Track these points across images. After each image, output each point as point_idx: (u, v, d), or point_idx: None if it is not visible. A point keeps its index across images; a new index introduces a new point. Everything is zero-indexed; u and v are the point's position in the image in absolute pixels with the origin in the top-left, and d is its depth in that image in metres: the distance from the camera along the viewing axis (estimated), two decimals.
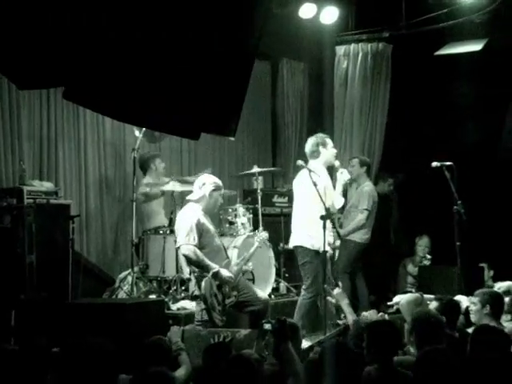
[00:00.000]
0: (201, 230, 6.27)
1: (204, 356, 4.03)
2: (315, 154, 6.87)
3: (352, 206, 8.24)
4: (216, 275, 6.14)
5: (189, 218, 6.30)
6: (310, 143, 6.96)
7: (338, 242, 8.17)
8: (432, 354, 3.73)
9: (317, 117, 9.82)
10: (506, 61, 8.76)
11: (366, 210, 8.08)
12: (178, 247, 6.37)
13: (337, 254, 8.29)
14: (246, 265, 6.56)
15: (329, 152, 6.91)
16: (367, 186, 8.25)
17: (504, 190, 9.18)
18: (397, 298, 6.02)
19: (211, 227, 6.44)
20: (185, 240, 6.22)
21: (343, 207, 8.28)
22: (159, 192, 7.63)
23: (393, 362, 4.12)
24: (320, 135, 7.04)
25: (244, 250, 7.23)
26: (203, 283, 6.17)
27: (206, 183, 6.44)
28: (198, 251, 6.20)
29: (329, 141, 6.96)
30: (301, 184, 6.87)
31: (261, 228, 7.23)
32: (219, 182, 6.53)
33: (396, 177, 9.42)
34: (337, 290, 5.44)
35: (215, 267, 6.17)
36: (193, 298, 6.54)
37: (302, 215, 6.85)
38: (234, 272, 6.34)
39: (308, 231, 6.75)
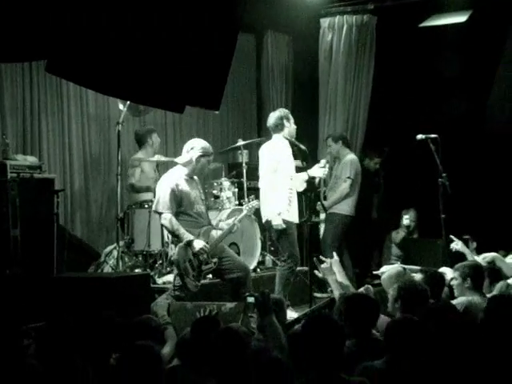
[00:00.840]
0: (179, 196, 6.21)
1: (192, 330, 4.03)
2: (279, 127, 6.91)
3: (336, 178, 8.27)
4: (189, 245, 6.10)
5: (167, 184, 6.24)
6: (273, 117, 6.99)
7: (322, 216, 8.22)
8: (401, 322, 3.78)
9: (301, 90, 9.79)
10: (490, 32, 8.75)
11: (349, 178, 8.11)
12: (156, 212, 6.33)
13: (322, 228, 8.34)
14: (231, 231, 6.46)
15: (292, 126, 6.96)
16: (349, 155, 8.28)
17: (490, 162, 9.22)
18: (383, 268, 6.05)
19: (193, 192, 6.33)
20: (161, 208, 6.18)
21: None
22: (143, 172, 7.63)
23: (370, 335, 4.15)
24: (283, 109, 7.12)
25: None
26: (177, 248, 6.15)
27: (194, 148, 6.34)
28: (174, 220, 6.14)
29: (291, 116, 7.03)
30: (267, 155, 6.89)
31: (253, 196, 7.08)
32: (208, 148, 6.41)
33: (383, 151, 9.45)
34: (325, 265, 5.46)
35: (188, 237, 6.10)
36: (170, 262, 6.52)
37: (268, 188, 6.87)
38: (215, 237, 6.30)
39: (275, 204, 6.78)
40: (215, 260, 6.24)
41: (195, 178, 6.46)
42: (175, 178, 6.26)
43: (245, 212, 6.62)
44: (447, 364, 3.45)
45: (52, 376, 3.62)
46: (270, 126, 7.01)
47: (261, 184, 6.93)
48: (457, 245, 6.49)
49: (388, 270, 5.63)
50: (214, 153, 6.58)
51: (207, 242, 6.21)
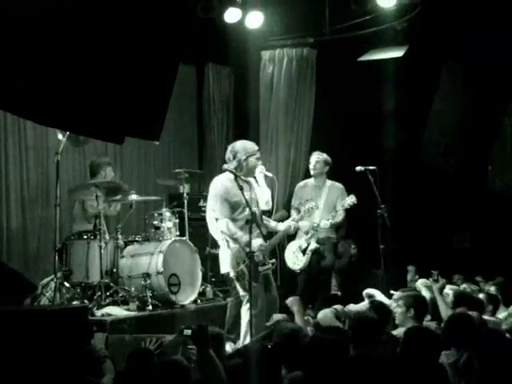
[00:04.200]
0: (231, 202, 6.24)
1: (126, 363, 3.97)
2: (227, 161, 6.88)
3: (330, 202, 7.93)
4: (248, 246, 6.05)
5: (218, 191, 6.29)
6: (227, 150, 6.96)
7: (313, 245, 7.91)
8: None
9: (242, 121, 9.87)
10: (425, 67, 9.00)
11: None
12: (216, 219, 6.33)
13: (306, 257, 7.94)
14: (288, 232, 6.58)
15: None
16: (338, 183, 8.08)
17: (426, 194, 9.41)
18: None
19: (243, 196, 6.23)
20: (218, 215, 6.24)
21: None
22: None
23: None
24: (239, 143, 6.83)
25: (170, 254, 7.19)
26: (232, 252, 6.20)
27: (237, 153, 6.40)
28: (231, 224, 6.21)
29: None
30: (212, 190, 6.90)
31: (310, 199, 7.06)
32: (252, 147, 6.49)
33: None
34: (290, 299, 5.60)
35: (246, 239, 6.06)
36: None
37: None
38: (270, 240, 6.40)
39: None
40: (273, 261, 6.37)
41: (248, 180, 6.44)
42: (223, 185, 6.29)
43: (301, 213, 6.73)
44: None
45: None
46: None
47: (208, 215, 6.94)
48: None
49: (322, 311, 5.72)
50: (259, 150, 6.63)
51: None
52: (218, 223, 6.36)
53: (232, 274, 6.26)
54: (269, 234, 6.63)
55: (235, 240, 6.22)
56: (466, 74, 9.06)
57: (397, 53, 8.95)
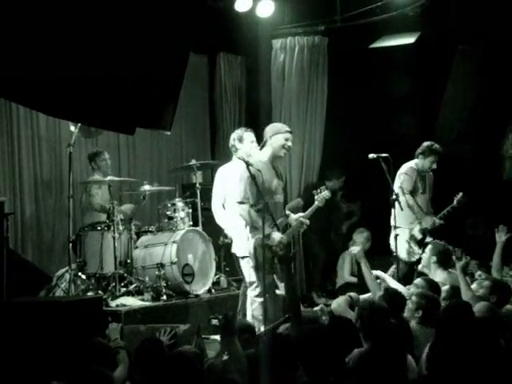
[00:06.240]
0: (258, 186, 6.06)
1: (135, 354, 3.98)
2: (233, 148, 6.86)
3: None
4: (268, 237, 5.96)
5: (243, 174, 6.11)
6: (230, 138, 6.96)
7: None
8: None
9: (254, 110, 9.84)
10: (438, 53, 8.94)
11: None
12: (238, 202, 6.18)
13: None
14: (301, 226, 6.38)
15: (245, 147, 6.78)
16: None
17: (439, 181, 9.35)
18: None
19: (272, 181, 6.22)
20: (240, 198, 6.07)
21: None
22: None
23: None
24: (238, 130, 6.95)
25: (184, 244, 7.22)
26: (253, 241, 6.04)
27: (265, 133, 6.29)
28: (252, 211, 6.04)
29: (247, 135, 6.82)
30: (218, 179, 6.91)
31: (323, 187, 6.64)
32: (280, 127, 6.39)
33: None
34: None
35: (267, 230, 5.95)
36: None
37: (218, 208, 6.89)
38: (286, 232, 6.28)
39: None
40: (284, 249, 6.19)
41: (275, 166, 6.35)
42: (253, 170, 6.12)
43: (316, 203, 6.47)
44: None
45: None
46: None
47: (213, 206, 6.94)
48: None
49: (336, 299, 5.69)
50: (291, 131, 6.46)
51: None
52: (239, 206, 6.14)
53: (252, 264, 6.14)
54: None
55: (255, 228, 6.05)
56: (478, 59, 8.99)
57: (408, 39, 8.90)
